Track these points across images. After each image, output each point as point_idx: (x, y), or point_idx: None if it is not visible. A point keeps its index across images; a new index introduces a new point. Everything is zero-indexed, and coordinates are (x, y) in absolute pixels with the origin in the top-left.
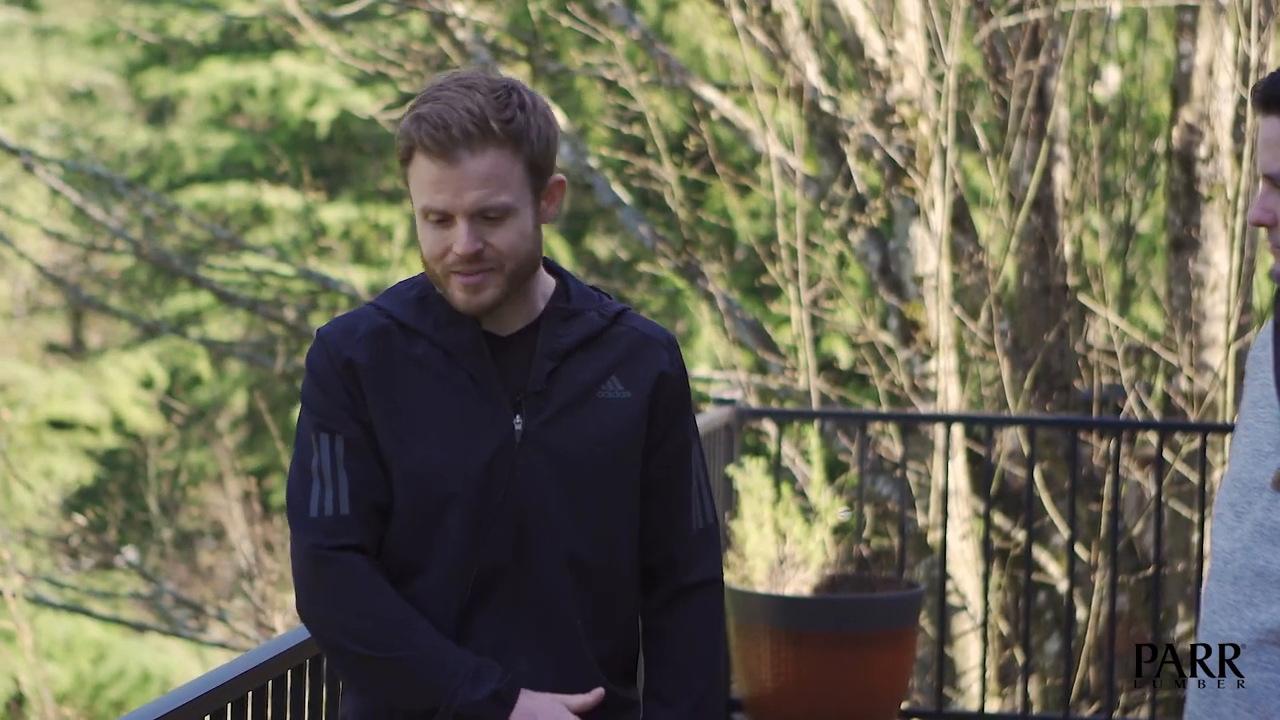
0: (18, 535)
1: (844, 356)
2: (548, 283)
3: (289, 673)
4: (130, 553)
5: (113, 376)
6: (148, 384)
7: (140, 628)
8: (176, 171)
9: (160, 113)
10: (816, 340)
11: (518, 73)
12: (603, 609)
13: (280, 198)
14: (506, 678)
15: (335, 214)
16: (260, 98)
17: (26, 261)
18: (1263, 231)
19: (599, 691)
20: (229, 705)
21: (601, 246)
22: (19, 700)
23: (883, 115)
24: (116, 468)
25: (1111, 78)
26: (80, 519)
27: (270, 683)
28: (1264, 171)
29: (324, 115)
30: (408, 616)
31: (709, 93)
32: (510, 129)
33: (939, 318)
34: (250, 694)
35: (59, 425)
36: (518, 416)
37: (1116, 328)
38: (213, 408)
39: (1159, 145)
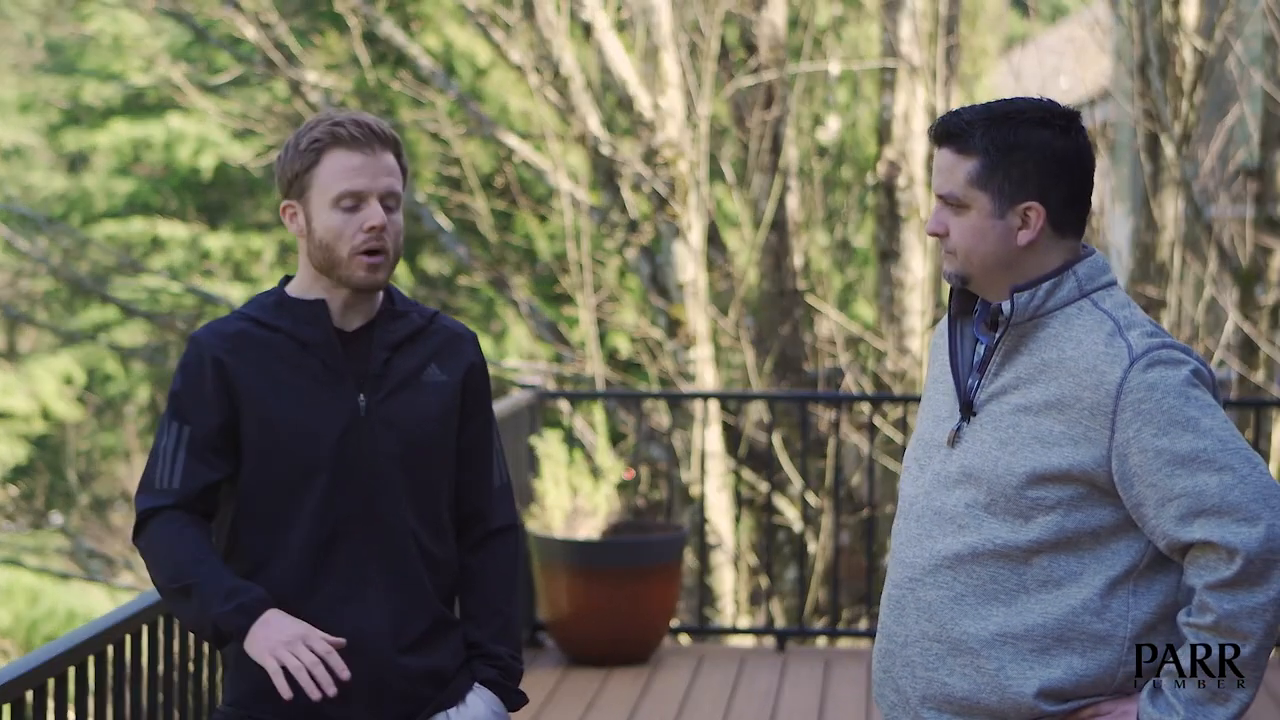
0: None
1: (624, 348)
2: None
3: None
4: (56, 516)
5: (40, 376)
6: (69, 381)
7: (64, 576)
8: (89, 210)
9: (75, 163)
10: (603, 336)
11: None
12: (433, 549)
13: (173, 229)
14: (254, 594)
15: (218, 242)
16: (156, 149)
17: None
18: (937, 241)
19: (340, 640)
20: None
21: (432, 265)
22: None
23: (650, 156)
24: (45, 449)
25: (834, 125)
26: (13, 490)
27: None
28: (936, 192)
29: (207, 163)
30: (201, 553)
31: (512, 140)
32: (393, 137)
33: (697, 316)
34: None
35: None
36: (361, 395)
37: (837, 323)
38: (121, 399)
39: (870, 178)
